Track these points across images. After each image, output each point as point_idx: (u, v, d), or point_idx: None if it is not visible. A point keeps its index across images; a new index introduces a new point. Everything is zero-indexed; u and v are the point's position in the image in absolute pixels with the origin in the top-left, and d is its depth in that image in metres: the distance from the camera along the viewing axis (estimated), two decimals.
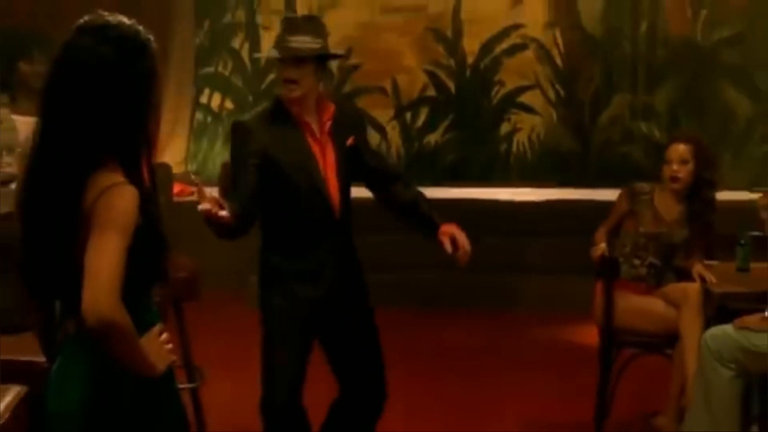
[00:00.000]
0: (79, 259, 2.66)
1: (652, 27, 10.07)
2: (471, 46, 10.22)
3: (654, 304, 5.52)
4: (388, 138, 10.26)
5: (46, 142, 2.75)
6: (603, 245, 5.58)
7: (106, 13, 2.83)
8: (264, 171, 4.22)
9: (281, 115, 4.31)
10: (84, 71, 2.73)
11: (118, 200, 2.68)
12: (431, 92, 10.32)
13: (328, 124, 4.36)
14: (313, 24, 4.36)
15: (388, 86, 10.30)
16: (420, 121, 10.39)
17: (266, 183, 4.23)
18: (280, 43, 4.28)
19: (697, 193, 5.64)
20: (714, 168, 5.73)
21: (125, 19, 2.84)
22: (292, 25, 4.33)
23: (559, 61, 10.30)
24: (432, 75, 10.29)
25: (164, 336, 2.86)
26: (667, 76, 10.05)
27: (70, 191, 2.69)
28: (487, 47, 10.24)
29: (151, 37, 2.86)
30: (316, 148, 4.33)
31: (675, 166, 5.62)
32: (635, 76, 10.16)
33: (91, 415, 2.77)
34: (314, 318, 4.35)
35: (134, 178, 2.74)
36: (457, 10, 10.21)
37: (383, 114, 10.22)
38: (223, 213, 3.80)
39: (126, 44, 2.79)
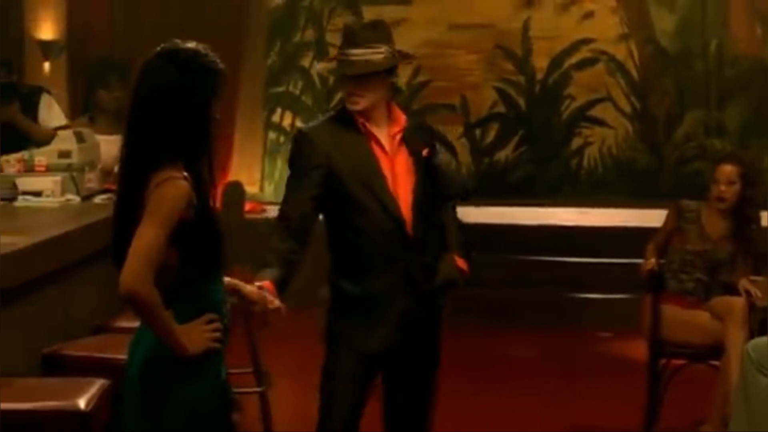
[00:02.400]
0: None
1: (721, 46, 10.51)
2: (540, 62, 10.68)
3: (700, 316, 6.02)
4: (457, 155, 10.72)
5: (126, 145, 3.37)
6: (652, 260, 6.11)
7: (181, 41, 3.44)
8: (326, 187, 4.10)
9: (347, 125, 4.15)
10: (154, 87, 3.33)
11: (168, 191, 3.22)
12: (501, 109, 10.80)
13: (399, 135, 4.19)
14: (376, 31, 4.20)
15: (457, 103, 10.79)
16: (489, 138, 10.87)
17: (328, 199, 4.12)
18: (340, 56, 4.15)
19: (742, 212, 6.14)
20: (759, 187, 6.21)
21: (197, 46, 3.43)
22: (352, 35, 4.16)
23: (634, 73, 10.71)
24: (501, 91, 10.78)
25: (212, 325, 3.36)
26: (737, 94, 10.50)
27: (134, 184, 3.28)
28: (556, 62, 10.70)
29: (218, 61, 3.42)
30: (384, 161, 4.15)
31: (722, 187, 6.12)
32: (707, 93, 10.55)
33: (146, 381, 3.32)
34: (379, 360, 4.23)
35: (192, 177, 3.31)
36: (526, 28, 10.67)
37: (452, 131, 10.68)
38: (276, 305, 3.80)
39: (191, 66, 3.37)
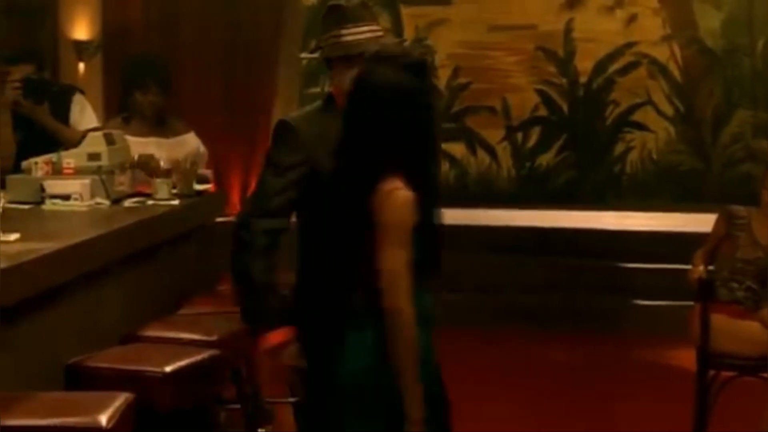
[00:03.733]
0: (363, 248, 3.32)
1: None
2: (583, 64, 10.56)
3: (751, 327, 5.84)
4: (498, 158, 10.61)
5: (350, 154, 3.40)
6: (701, 268, 5.93)
7: (388, 42, 3.59)
8: (304, 186, 3.74)
9: (336, 115, 3.62)
10: (381, 95, 3.35)
11: (399, 205, 3.29)
12: (543, 112, 10.67)
13: None
14: (368, 10, 3.90)
15: (498, 106, 10.66)
16: (531, 142, 10.74)
17: (305, 202, 3.76)
18: (347, 36, 3.76)
19: None
20: None
21: (412, 47, 3.42)
22: (351, 13, 3.80)
23: (677, 74, 10.54)
24: (543, 94, 10.64)
25: None
26: None
27: (360, 195, 3.33)
28: (600, 66, 10.58)
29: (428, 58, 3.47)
30: None
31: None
32: (754, 92, 10.37)
33: (373, 383, 3.37)
34: None
35: (415, 184, 3.33)
36: (569, 29, 10.52)
37: (493, 134, 10.61)
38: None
39: (413, 70, 3.39)
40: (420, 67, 3.42)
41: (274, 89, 10.09)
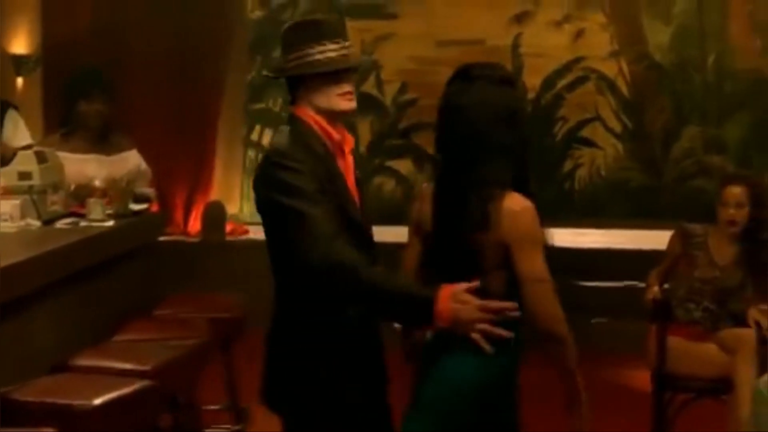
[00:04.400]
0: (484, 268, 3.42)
1: (719, 58, 10.19)
2: (532, 80, 10.35)
3: (708, 349, 5.68)
4: None
5: (454, 176, 3.51)
6: (656, 288, 5.76)
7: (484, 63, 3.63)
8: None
9: (316, 140, 3.57)
10: (482, 113, 3.45)
11: (529, 215, 3.47)
12: None
13: (350, 155, 3.72)
14: (344, 26, 3.81)
15: None
16: None
17: None
18: (340, 50, 3.56)
19: (751, 235, 5.78)
20: None
21: (497, 64, 3.66)
22: (333, 27, 3.63)
23: (625, 90, 10.41)
24: None
25: None
26: (737, 109, 10.16)
27: (479, 211, 3.43)
28: (548, 82, 10.38)
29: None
30: (350, 182, 3.68)
31: (732, 210, 5.77)
32: (705, 108, 10.25)
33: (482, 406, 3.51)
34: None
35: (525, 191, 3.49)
36: (517, 44, 10.36)
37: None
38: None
39: (506, 85, 3.54)
40: (511, 82, 3.58)
41: (220, 104, 9.95)
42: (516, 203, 3.46)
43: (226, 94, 10.02)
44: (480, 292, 3.30)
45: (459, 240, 3.50)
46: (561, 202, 10.39)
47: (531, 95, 10.35)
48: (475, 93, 3.51)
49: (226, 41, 9.98)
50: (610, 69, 10.38)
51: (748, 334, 5.54)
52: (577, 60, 10.32)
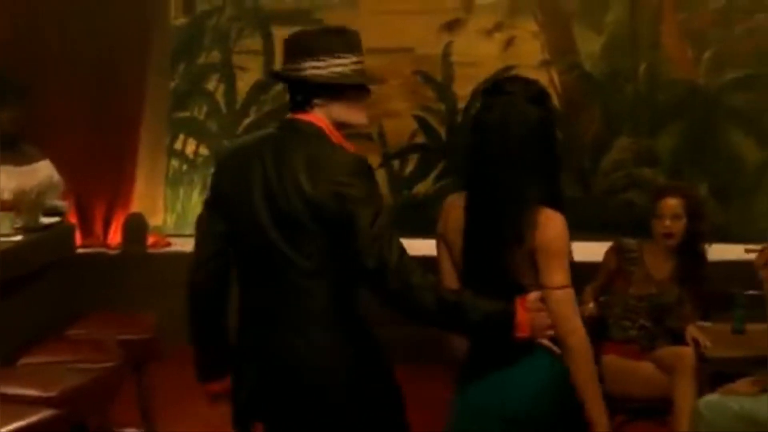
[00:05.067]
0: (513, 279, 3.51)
1: (651, 68, 10.06)
2: (462, 89, 10.17)
3: (645, 368, 5.50)
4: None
5: (480, 194, 3.59)
6: (591, 305, 5.57)
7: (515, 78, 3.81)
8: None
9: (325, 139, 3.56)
10: (520, 128, 3.54)
11: (561, 230, 3.56)
12: (420, 139, 10.27)
13: None
14: None
15: (375, 132, 10.24)
16: (409, 169, 10.33)
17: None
18: (357, 65, 3.56)
19: (688, 249, 5.62)
20: (705, 220, 5.73)
21: (528, 80, 3.72)
22: (358, 41, 3.68)
23: (556, 100, 10.27)
24: (421, 120, 10.25)
25: None
26: (670, 119, 10.03)
27: (509, 231, 3.50)
28: (478, 91, 10.17)
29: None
30: None
31: (668, 222, 5.60)
32: (636, 119, 10.13)
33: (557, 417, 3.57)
34: None
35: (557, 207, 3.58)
36: (447, 53, 10.18)
37: (370, 161, 10.13)
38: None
39: (536, 100, 3.62)
40: (541, 100, 3.64)
41: (142, 112, 9.65)
42: (548, 217, 3.55)
43: (148, 102, 9.72)
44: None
45: (492, 256, 3.58)
46: None
47: (461, 105, 10.18)
48: (501, 110, 3.57)
49: (148, 48, 9.68)
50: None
51: (687, 352, 5.36)
52: (508, 69, 10.12)
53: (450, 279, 3.79)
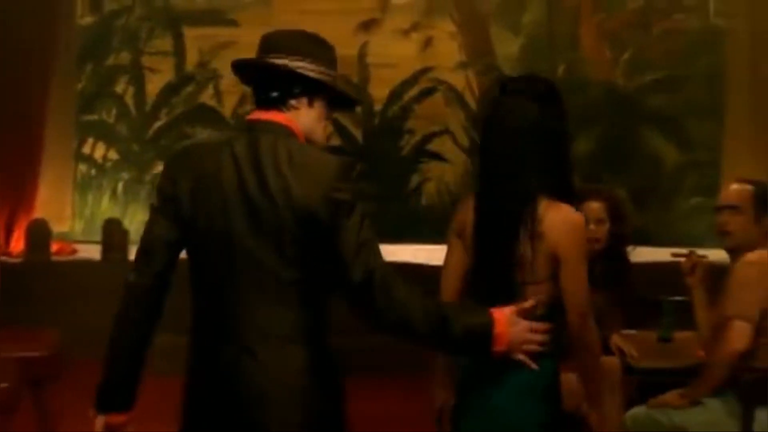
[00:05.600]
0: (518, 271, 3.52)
1: (569, 70, 9.98)
2: (379, 91, 10.02)
3: (567, 380, 5.24)
4: None
5: (497, 178, 3.59)
6: None
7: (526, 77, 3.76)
8: None
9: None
10: (518, 125, 3.54)
11: (577, 221, 3.54)
12: (336, 141, 10.06)
13: None
14: None
15: None
16: None
17: None
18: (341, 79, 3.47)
19: (611, 254, 5.43)
20: (628, 223, 5.56)
21: (539, 78, 3.71)
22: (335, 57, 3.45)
23: (472, 104, 10.14)
24: (337, 123, 10.02)
25: None
26: (587, 122, 9.91)
27: (518, 222, 3.51)
28: (396, 93, 10.07)
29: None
30: None
31: (592, 226, 5.39)
32: None
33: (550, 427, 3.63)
34: None
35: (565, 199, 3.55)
36: (363, 53, 10.00)
37: None
38: None
39: (549, 101, 3.59)
40: (549, 98, 3.60)
41: (46, 115, 9.37)
42: (549, 208, 3.52)
43: (53, 105, 9.46)
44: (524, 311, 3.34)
45: (496, 250, 3.59)
46: (407, 218, 10.07)
47: (378, 107, 10.03)
48: (507, 108, 3.61)
49: (53, 47, 9.41)
50: (458, 81, 10.16)
51: (612, 362, 5.14)
52: (425, 70, 10.04)
53: (453, 277, 3.85)
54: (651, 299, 5.47)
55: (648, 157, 9.79)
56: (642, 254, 6.11)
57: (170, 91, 9.97)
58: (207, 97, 9.97)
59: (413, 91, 10.04)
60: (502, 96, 3.68)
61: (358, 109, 9.82)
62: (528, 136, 3.56)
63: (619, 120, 9.86)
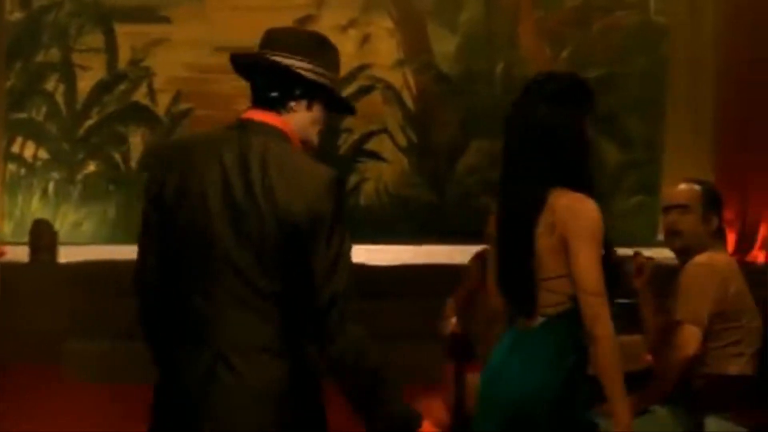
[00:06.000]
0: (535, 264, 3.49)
1: (508, 68, 9.88)
2: None
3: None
4: None
5: (512, 177, 3.63)
6: (453, 320, 5.19)
7: (547, 75, 3.67)
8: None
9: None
10: (531, 125, 3.55)
11: (593, 208, 3.47)
12: None
13: None
14: None
15: None
16: None
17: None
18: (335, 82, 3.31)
19: None
20: None
21: (557, 77, 3.66)
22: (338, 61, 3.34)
23: (410, 103, 10.02)
24: None
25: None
26: None
27: (531, 212, 3.49)
28: None
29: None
30: None
31: None
32: (493, 120, 9.88)
33: (553, 398, 3.49)
34: None
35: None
36: None
37: None
38: None
39: (560, 101, 3.55)
40: (560, 98, 3.56)
41: None
42: (560, 196, 3.49)
43: None
44: None
45: (514, 245, 3.58)
46: (346, 219, 9.82)
47: None
48: (516, 110, 3.65)
49: None
50: (396, 79, 10.10)
51: None
52: (363, 68, 9.91)
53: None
54: None
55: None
56: None
57: (102, 89, 9.79)
58: (140, 96, 9.78)
59: (351, 89, 9.87)
60: (519, 97, 3.70)
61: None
62: (532, 136, 3.59)
63: None
